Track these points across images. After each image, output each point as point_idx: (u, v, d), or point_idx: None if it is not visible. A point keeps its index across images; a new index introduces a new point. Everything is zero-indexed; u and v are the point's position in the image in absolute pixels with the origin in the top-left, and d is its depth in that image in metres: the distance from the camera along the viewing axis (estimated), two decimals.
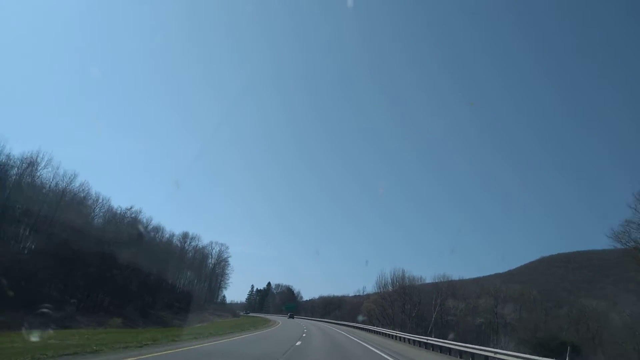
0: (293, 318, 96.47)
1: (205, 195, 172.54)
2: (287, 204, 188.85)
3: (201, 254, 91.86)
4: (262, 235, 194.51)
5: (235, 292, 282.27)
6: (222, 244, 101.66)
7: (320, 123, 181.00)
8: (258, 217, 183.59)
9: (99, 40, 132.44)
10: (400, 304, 66.52)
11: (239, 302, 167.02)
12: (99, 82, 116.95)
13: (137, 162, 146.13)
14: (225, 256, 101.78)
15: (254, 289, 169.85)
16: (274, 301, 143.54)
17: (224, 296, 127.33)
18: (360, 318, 72.89)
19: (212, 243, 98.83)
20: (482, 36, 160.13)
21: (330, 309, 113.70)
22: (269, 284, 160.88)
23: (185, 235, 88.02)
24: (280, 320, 77.85)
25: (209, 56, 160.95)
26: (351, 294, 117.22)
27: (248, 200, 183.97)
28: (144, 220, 63.84)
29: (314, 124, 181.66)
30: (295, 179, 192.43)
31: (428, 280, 75.02)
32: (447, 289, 64.01)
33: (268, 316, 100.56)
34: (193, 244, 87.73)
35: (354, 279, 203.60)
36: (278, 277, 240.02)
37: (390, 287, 78.16)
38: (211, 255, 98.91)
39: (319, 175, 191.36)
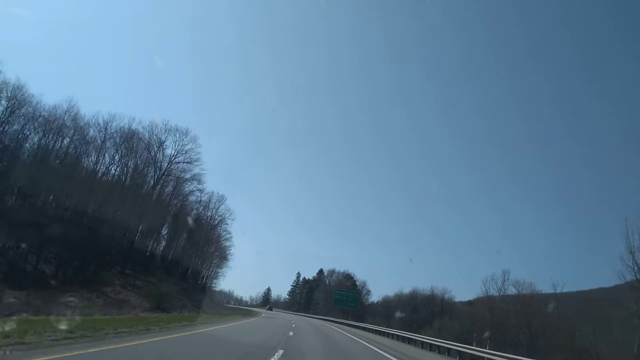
0: (271, 310, 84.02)
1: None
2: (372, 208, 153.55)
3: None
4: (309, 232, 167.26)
5: (283, 285, 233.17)
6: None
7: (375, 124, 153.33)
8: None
9: (166, 31, 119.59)
10: None
11: (283, 298, 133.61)
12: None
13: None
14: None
15: (300, 279, 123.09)
16: (324, 296, 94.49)
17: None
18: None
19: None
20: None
21: (424, 314, 62.87)
22: (320, 271, 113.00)
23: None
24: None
25: (271, 49, 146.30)
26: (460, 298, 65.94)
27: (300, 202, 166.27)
28: None
29: (369, 124, 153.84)
30: (347, 176, 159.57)
31: None
32: None
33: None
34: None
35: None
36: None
37: None
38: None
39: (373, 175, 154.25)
